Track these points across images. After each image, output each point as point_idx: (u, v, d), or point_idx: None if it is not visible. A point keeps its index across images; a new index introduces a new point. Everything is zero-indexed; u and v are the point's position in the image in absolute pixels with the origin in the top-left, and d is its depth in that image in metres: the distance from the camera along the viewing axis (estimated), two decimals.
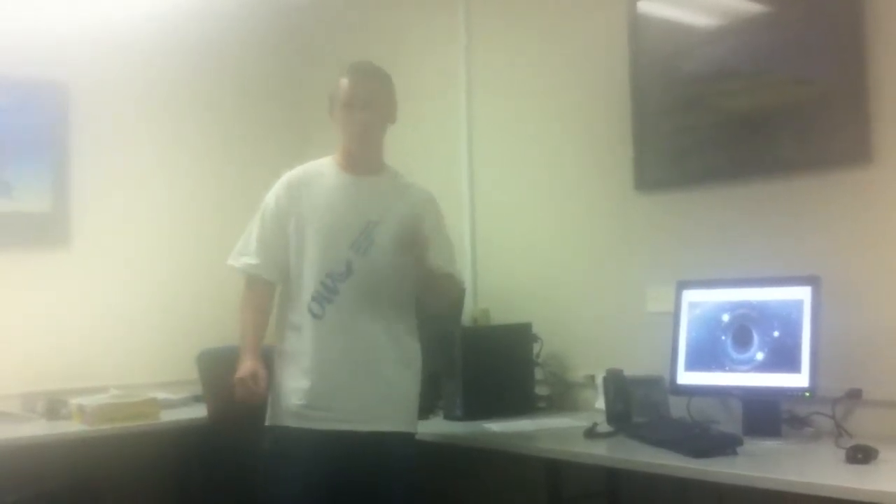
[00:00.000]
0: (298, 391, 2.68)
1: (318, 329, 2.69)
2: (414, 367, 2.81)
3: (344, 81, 2.77)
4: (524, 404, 3.40)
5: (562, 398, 3.50)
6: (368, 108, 2.75)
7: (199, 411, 3.55)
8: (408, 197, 2.83)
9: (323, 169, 2.83)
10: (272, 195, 2.81)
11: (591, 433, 2.85)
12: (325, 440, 2.64)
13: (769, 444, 2.60)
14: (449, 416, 3.35)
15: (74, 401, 3.50)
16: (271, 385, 2.73)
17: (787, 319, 2.72)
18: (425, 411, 3.42)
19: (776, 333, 2.74)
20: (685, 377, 2.92)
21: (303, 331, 2.71)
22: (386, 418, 2.70)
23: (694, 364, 2.91)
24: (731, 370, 2.82)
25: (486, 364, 3.36)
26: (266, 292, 2.83)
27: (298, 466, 2.63)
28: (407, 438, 2.76)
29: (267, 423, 2.74)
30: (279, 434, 2.69)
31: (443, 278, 2.80)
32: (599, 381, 3.18)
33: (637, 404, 2.99)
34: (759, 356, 2.77)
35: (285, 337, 2.77)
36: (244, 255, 2.80)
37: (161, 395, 3.75)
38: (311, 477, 2.63)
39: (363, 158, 2.81)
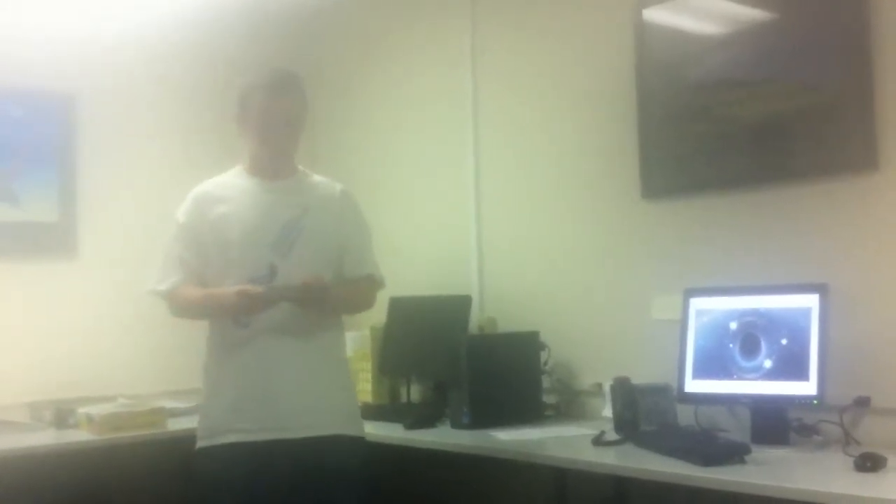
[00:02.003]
0: (227, 404, 2.62)
1: (243, 339, 2.64)
2: (342, 365, 2.79)
3: (259, 96, 2.71)
4: (531, 412, 3.39)
5: (569, 406, 3.50)
6: (285, 126, 2.72)
7: None
8: (322, 193, 2.80)
9: (231, 178, 2.80)
10: (182, 212, 2.76)
11: (598, 441, 2.85)
12: (260, 452, 2.56)
13: (777, 452, 2.59)
14: (456, 425, 3.34)
15: (82, 410, 3.51)
16: (200, 406, 2.70)
17: (794, 327, 2.72)
18: (432, 419, 3.44)
19: (784, 341, 2.74)
20: (693, 385, 2.92)
21: (229, 342, 2.66)
22: (322, 422, 2.63)
23: (701, 372, 2.91)
24: (739, 378, 2.81)
25: (493, 372, 3.36)
26: None
27: (236, 485, 2.56)
28: (349, 441, 2.68)
29: (198, 446, 2.66)
30: (208, 455, 2.62)
31: (359, 285, 2.79)
32: (607, 389, 3.18)
33: (645, 412, 2.98)
34: (767, 364, 2.76)
35: (212, 351, 2.73)
36: (166, 277, 2.73)
37: (168, 403, 3.75)
38: (252, 495, 2.55)
39: (274, 163, 2.77)
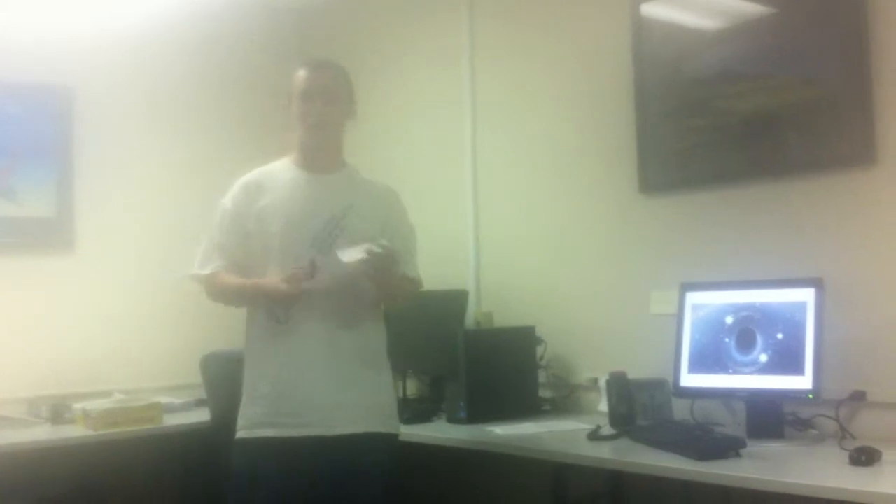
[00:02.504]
0: (265, 398, 2.61)
1: (282, 333, 2.62)
2: (382, 363, 2.73)
3: (300, 73, 2.73)
4: (528, 407, 3.40)
5: (565, 401, 3.50)
6: (326, 100, 2.70)
7: (203, 415, 3.56)
8: (369, 191, 2.79)
9: (279, 169, 2.78)
10: (228, 199, 2.75)
11: (594, 436, 2.85)
12: (294, 447, 2.56)
13: (773, 446, 2.59)
14: (452, 420, 3.34)
15: (79, 405, 3.51)
16: (242, 394, 2.69)
17: (790, 321, 2.72)
18: (429, 414, 3.44)
19: (780, 335, 2.74)
20: (689, 379, 2.92)
21: (267, 335, 2.65)
22: (357, 420, 2.60)
23: (697, 366, 2.91)
24: (735, 372, 2.81)
25: (490, 367, 3.36)
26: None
27: (266, 481, 2.56)
28: (382, 439, 2.65)
29: (237, 435, 2.65)
30: (247, 447, 2.61)
31: (403, 282, 2.76)
32: (603, 383, 3.18)
33: (641, 407, 2.99)
34: (763, 358, 2.76)
35: (251, 343, 2.72)
36: (207, 262, 2.73)
37: (165, 399, 3.76)
38: (279, 490, 2.55)
39: (321, 154, 2.75)
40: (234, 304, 2.77)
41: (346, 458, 2.58)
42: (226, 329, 3.67)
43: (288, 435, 2.57)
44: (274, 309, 2.61)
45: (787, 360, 2.71)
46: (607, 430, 2.91)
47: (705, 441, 2.56)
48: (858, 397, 2.65)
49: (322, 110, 2.70)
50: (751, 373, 2.78)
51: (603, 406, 3.18)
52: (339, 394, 2.61)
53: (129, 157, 4.24)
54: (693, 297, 2.96)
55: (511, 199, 3.82)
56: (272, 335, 2.64)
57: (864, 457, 2.28)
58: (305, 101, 2.70)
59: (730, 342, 2.84)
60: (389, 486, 2.64)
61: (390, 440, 2.69)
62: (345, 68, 2.81)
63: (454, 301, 3.72)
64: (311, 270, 2.59)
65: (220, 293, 2.75)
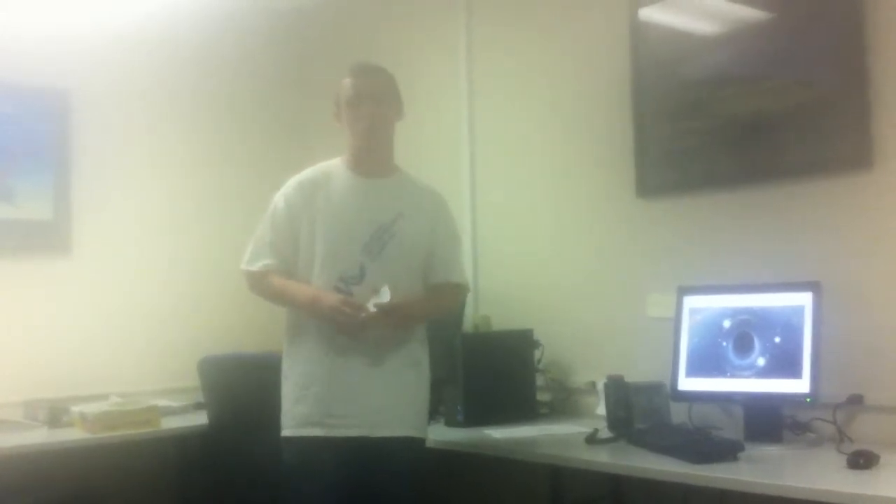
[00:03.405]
0: (316, 399, 2.66)
1: (330, 334, 2.66)
2: (423, 371, 2.80)
3: (347, 80, 2.77)
4: (525, 410, 3.40)
5: (563, 404, 3.50)
6: (375, 103, 2.74)
7: (201, 418, 3.56)
8: (418, 198, 2.82)
9: (333, 170, 2.80)
10: (281, 196, 2.78)
11: (592, 439, 2.85)
12: (342, 447, 2.62)
13: (771, 449, 2.60)
14: (450, 423, 3.34)
15: (76, 408, 3.50)
16: (283, 393, 2.73)
17: (788, 325, 2.72)
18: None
19: (777, 339, 2.74)
20: (686, 383, 2.92)
21: (315, 336, 2.69)
22: (395, 423, 2.68)
23: (695, 370, 2.91)
24: (733, 376, 2.81)
25: (488, 370, 3.36)
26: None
27: (321, 477, 2.62)
28: (415, 444, 2.73)
29: (284, 433, 2.70)
30: (298, 445, 2.66)
31: (444, 296, 2.83)
32: (601, 387, 3.18)
33: (638, 410, 2.98)
34: (761, 362, 2.77)
35: (296, 342, 2.74)
36: (260, 257, 2.75)
37: (162, 402, 3.75)
38: (333, 487, 2.62)
39: (373, 158, 2.78)
40: (280, 305, 2.81)
41: (385, 459, 2.65)
42: (223, 332, 3.69)
43: (334, 435, 2.63)
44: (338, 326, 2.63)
45: (784, 364, 2.71)
46: (605, 433, 2.91)
47: (703, 444, 2.56)
48: (856, 401, 2.66)
49: (371, 113, 2.73)
50: (748, 376, 2.78)
51: (601, 409, 3.17)
52: (385, 397, 2.68)
53: (127, 159, 4.23)
54: (691, 301, 2.96)
55: (508, 203, 3.82)
56: (320, 334, 2.67)
57: (862, 460, 2.28)
58: (354, 106, 2.74)
59: (727, 346, 2.84)
60: (418, 488, 2.72)
61: (422, 444, 2.78)
62: (390, 71, 2.83)
63: None
64: (361, 275, 2.66)
65: (269, 292, 2.78)
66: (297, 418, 2.68)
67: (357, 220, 2.71)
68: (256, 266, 2.75)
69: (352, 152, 2.80)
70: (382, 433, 2.65)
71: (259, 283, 2.77)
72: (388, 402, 2.68)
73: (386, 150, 2.83)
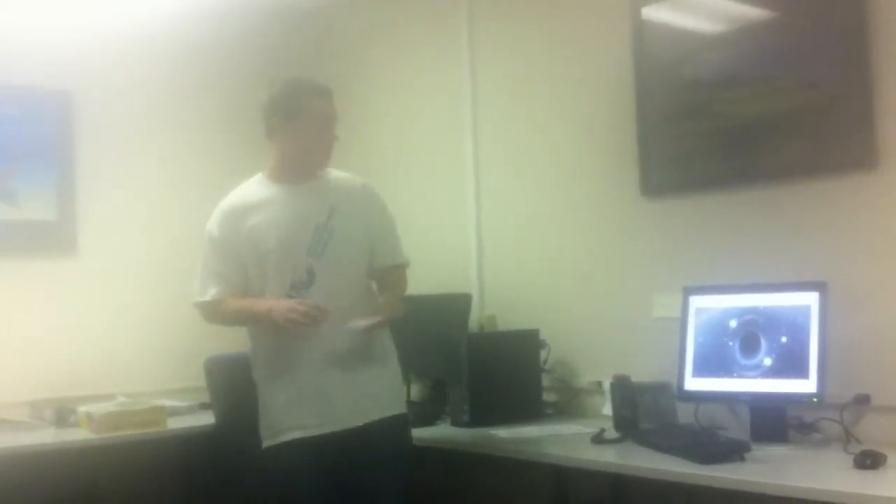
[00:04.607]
0: (286, 406, 2.72)
1: (297, 337, 2.69)
2: (388, 351, 2.87)
3: (316, 100, 2.79)
4: (531, 410, 3.40)
5: (569, 404, 3.50)
6: (335, 127, 2.82)
7: (206, 418, 3.56)
8: (347, 192, 2.86)
9: (255, 188, 2.85)
10: (214, 226, 2.84)
11: (598, 439, 2.85)
12: (319, 445, 2.68)
13: (777, 450, 2.59)
14: (456, 423, 3.35)
15: (82, 408, 3.51)
16: (259, 407, 2.79)
17: (794, 325, 2.72)
18: (432, 417, 3.44)
19: (783, 339, 2.74)
20: (692, 383, 2.92)
21: (277, 346, 2.74)
22: (372, 409, 2.75)
23: (701, 370, 2.91)
24: (739, 376, 2.82)
25: (493, 370, 3.36)
26: None
27: (305, 480, 2.68)
28: (393, 420, 2.79)
29: (263, 445, 2.75)
30: (281, 451, 2.71)
31: (400, 280, 2.91)
32: (607, 387, 3.18)
33: (644, 410, 2.99)
34: (767, 362, 2.77)
35: (260, 355, 2.82)
36: (206, 289, 2.81)
37: (168, 402, 3.75)
38: (318, 487, 2.68)
39: (309, 170, 2.85)
40: (241, 325, 2.87)
41: (366, 445, 2.71)
42: (229, 332, 3.66)
43: (311, 434, 2.69)
44: (293, 330, 2.65)
45: (791, 364, 2.71)
46: (611, 433, 2.91)
47: (709, 445, 2.56)
48: (863, 401, 2.65)
49: (334, 137, 2.82)
50: (755, 376, 2.78)
51: (607, 409, 3.17)
52: (352, 388, 2.73)
53: (130, 159, 4.23)
54: (697, 301, 2.96)
55: (513, 203, 3.82)
56: (282, 346, 2.73)
57: (869, 460, 2.28)
58: (323, 129, 2.79)
59: (734, 346, 2.84)
60: (403, 466, 2.79)
61: (400, 419, 2.83)
62: None
63: (457, 304, 3.72)
64: (310, 279, 2.72)
65: (225, 317, 2.84)
66: (272, 428, 2.74)
67: (295, 226, 2.76)
68: (208, 296, 2.80)
69: (281, 164, 2.83)
70: (357, 423, 2.71)
71: (213, 312, 2.84)
72: (356, 393, 2.73)
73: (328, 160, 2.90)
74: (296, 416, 2.71)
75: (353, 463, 2.71)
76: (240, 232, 2.78)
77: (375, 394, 2.78)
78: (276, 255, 2.74)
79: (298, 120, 2.77)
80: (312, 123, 2.78)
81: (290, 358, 2.73)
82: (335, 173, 2.91)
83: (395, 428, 2.80)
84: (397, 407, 2.85)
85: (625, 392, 3.01)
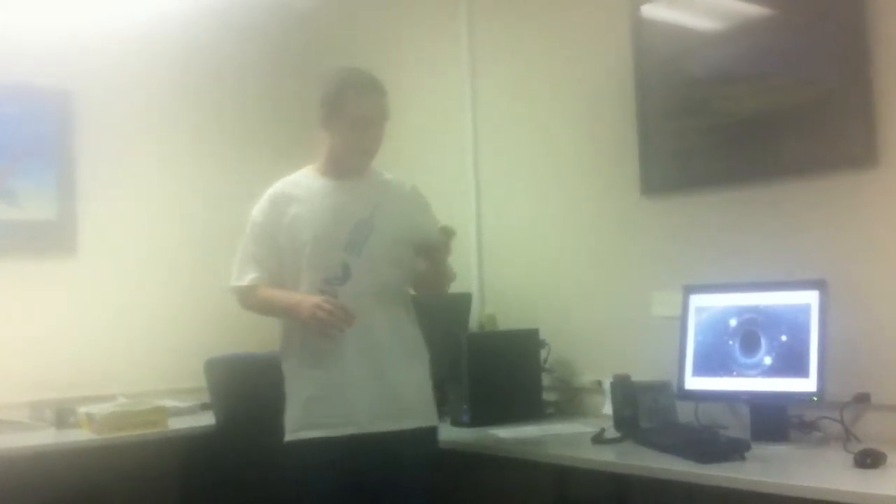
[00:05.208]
0: (311, 401, 2.68)
1: (321, 336, 2.67)
2: (421, 357, 2.82)
3: (355, 97, 2.74)
4: (531, 410, 3.40)
5: (569, 404, 3.50)
6: (379, 125, 2.77)
7: (207, 419, 3.56)
8: (394, 191, 2.85)
9: (303, 179, 2.84)
10: (258, 211, 2.82)
11: (598, 439, 2.85)
12: (342, 446, 2.63)
13: (777, 448, 2.59)
14: (455, 423, 3.34)
15: (83, 409, 3.50)
16: (286, 399, 2.75)
17: (794, 324, 2.72)
18: None
19: (784, 338, 2.74)
20: (693, 382, 2.92)
21: (307, 340, 2.70)
22: (400, 416, 2.68)
23: (701, 369, 2.91)
24: (739, 375, 2.81)
25: (493, 370, 3.36)
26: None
27: (323, 479, 2.63)
28: (425, 434, 2.74)
29: (285, 439, 2.71)
30: (301, 449, 2.68)
31: (442, 270, 2.84)
32: (607, 386, 3.18)
33: (645, 410, 2.98)
34: (767, 361, 2.76)
35: (291, 349, 2.77)
36: (243, 274, 2.80)
37: (169, 402, 3.75)
38: (336, 488, 2.62)
39: (357, 165, 2.82)
40: (270, 315, 2.85)
41: (393, 454, 2.65)
42: (230, 332, 3.68)
43: (334, 435, 2.64)
44: (318, 327, 2.63)
45: (791, 363, 2.71)
46: (611, 433, 2.90)
47: (709, 444, 2.56)
48: (863, 399, 2.65)
49: (377, 135, 2.77)
50: (755, 375, 2.78)
51: (607, 409, 3.17)
52: (382, 391, 2.68)
53: (131, 159, 4.23)
54: (696, 300, 2.96)
55: (513, 202, 3.82)
56: (313, 339, 2.68)
57: (869, 459, 2.28)
58: (365, 127, 2.75)
59: (734, 344, 2.84)
60: (428, 480, 2.72)
61: (432, 434, 2.77)
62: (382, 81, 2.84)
63: (457, 304, 3.71)
64: (345, 275, 2.68)
65: (258, 306, 2.82)
66: (295, 422, 2.70)
67: (334, 220, 2.73)
68: (244, 281, 2.79)
69: (330, 159, 2.81)
70: (384, 427, 2.65)
71: (249, 298, 2.81)
72: (386, 396, 2.68)
73: (374, 157, 2.85)
74: (318, 413, 2.66)
75: (374, 470, 2.65)
76: (280, 221, 2.76)
77: (406, 398, 2.71)
78: (311, 248, 2.71)
79: (340, 116, 2.75)
80: (351, 121, 2.74)
81: (320, 353, 2.68)
82: (386, 174, 2.89)
83: (424, 440, 2.73)
84: (429, 417, 2.77)
85: (625, 391, 3.01)
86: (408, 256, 2.79)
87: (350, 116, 2.73)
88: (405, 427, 2.68)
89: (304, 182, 2.83)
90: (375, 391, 2.67)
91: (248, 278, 2.78)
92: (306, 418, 2.68)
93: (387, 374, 2.70)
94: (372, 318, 2.69)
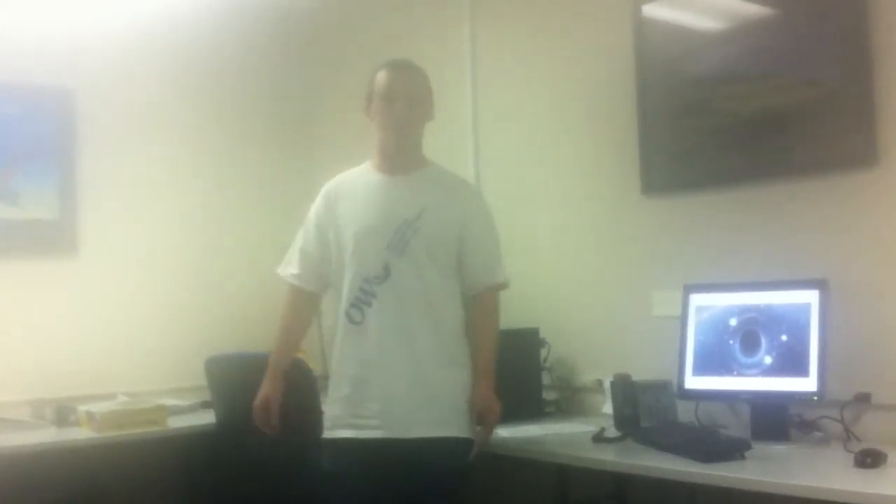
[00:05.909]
0: (344, 399, 2.68)
1: (358, 335, 2.67)
2: (461, 363, 2.72)
3: (381, 75, 2.76)
4: (532, 409, 3.39)
5: (570, 403, 3.50)
6: (406, 101, 2.72)
7: (208, 417, 3.56)
8: (446, 191, 2.79)
9: (358, 174, 2.83)
10: (313, 207, 2.85)
11: (599, 438, 2.85)
12: (374, 449, 2.61)
13: (777, 448, 2.59)
14: None
15: (83, 407, 3.51)
16: (326, 394, 2.78)
17: (794, 323, 2.72)
18: None
19: (784, 337, 2.74)
20: (693, 381, 2.92)
21: (346, 338, 2.70)
22: (436, 423, 2.62)
23: (702, 368, 2.91)
24: (739, 374, 2.81)
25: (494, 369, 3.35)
26: (307, 301, 2.89)
27: (351, 478, 2.63)
28: (460, 444, 2.65)
29: (323, 434, 2.72)
30: (332, 447, 2.68)
31: (485, 308, 2.78)
32: (607, 385, 3.18)
33: (645, 409, 2.98)
34: (767, 360, 2.76)
35: (334, 346, 2.77)
36: (289, 265, 2.86)
37: (169, 401, 3.75)
38: (363, 488, 2.61)
39: (399, 155, 2.77)
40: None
41: (425, 461, 2.60)
42: (230, 331, 3.68)
43: (366, 437, 2.62)
44: (348, 311, 2.69)
45: (791, 362, 2.70)
46: (612, 432, 2.91)
47: (710, 443, 2.56)
48: (863, 399, 2.65)
49: (400, 110, 2.71)
50: (755, 375, 2.78)
51: (607, 408, 3.17)
52: (418, 395, 2.63)
53: (132, 159, 4.23)
54: (697, 299, 2.96)
55: (513, 202, 3.81)
56: (351, 335, 2.69)
57: (870, 459, 2.28)
58: (387, 102, 2.72)
59: (734, 344, 2.84)
60: (456, 490, 2.67)
61: (467, 445, 2.68)
62: (423, 70, 2.83)
63: None
64: (385, 274, 2.66)
65: (281, 306, 2.91)
66: (330, 419, 2.72)
67: (379, 218, 2.70)
68: (285, 272, 2.86)
69: (379, 151, 2.80)
70: (419, 434, 2.61)
71: (286, 293, 2.89)
72: (423, 401, 2.63)
73: (413, 148, 2.80)
74: (352, 413, 2.65)
75: (401, 475, 2.59)
76: (330, 216, 2.78)
77: (446, 407, 2.65)
78: (354, 245, 2.70)
79: (372, 97, 2.76)
80: (379, 97, 2.73)
81: (360, 351, 2.67)
82: (439, 169, 2.84)
83: (462, 452, 2.65)
84: (468, 430, 2.67)
85: (625, 390, 3.01)
86: (455, 261, 2.73)
87: (378, 93, 2.74)
88: (439, 435, 2.62)
89: (358, 178, 2.81)
90: (411, 396, 2.62)
91: (291, 272, 2.85)
92: (340, 417, 2.68)
93: (424, 377, 2.64)
94: (411, 320, 2.65)
